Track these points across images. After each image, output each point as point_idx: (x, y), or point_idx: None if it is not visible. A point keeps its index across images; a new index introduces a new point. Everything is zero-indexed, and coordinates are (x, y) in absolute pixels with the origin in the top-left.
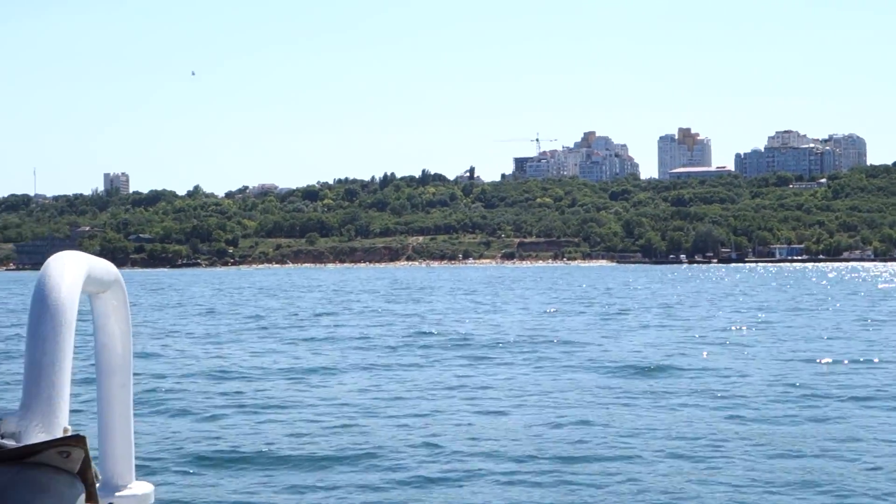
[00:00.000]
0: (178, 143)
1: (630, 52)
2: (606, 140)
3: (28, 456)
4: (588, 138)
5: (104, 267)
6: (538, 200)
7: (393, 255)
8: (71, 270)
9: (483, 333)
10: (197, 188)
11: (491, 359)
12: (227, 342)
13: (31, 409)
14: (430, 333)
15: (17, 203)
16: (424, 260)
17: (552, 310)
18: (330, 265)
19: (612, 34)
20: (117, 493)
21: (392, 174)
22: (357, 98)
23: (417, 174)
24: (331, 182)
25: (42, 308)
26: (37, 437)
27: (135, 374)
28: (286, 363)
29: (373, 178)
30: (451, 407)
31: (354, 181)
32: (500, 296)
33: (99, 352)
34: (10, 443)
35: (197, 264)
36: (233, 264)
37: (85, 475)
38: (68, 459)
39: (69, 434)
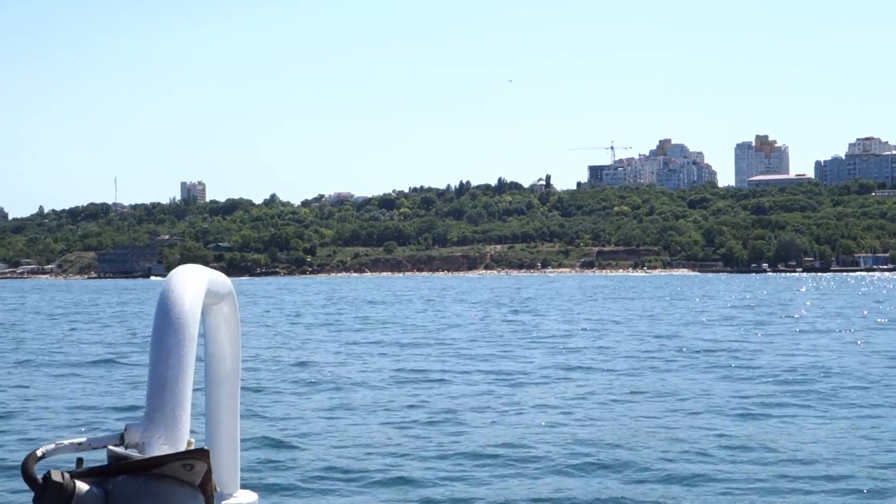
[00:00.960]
0: (253, 151)
1: (704, 59)
2: (682, 147)
3: (154, 467)
4: (663, 146)
5: (221, 280)
6: (616, 209)
7: (471, 264)
8: (193, 285)
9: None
10: (273, 197)
11: None
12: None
13: (155, 421)
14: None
15: (97, 212)
16: (503, 269)
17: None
18: (408, 274)
19: (685, 41)
20: (223, 502)
21: (468, 182)
22: (431, 106)
23: (492, 182)
24: (406, 191)
25: (166, 322)
26: (160, 448)
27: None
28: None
29: (448, 186)
30: None
31: (430, 189)
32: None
33: (208, 361)
34: (135, 453)
35: (276, 272)
36: (311, 273)
37: (205, 488)
38: (191, 472)
39: (193, 447)
